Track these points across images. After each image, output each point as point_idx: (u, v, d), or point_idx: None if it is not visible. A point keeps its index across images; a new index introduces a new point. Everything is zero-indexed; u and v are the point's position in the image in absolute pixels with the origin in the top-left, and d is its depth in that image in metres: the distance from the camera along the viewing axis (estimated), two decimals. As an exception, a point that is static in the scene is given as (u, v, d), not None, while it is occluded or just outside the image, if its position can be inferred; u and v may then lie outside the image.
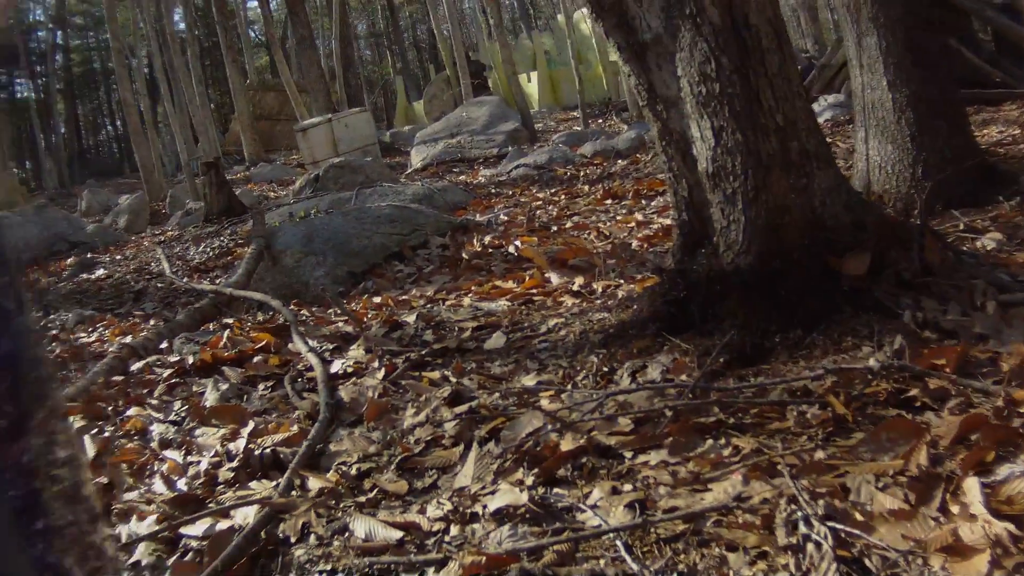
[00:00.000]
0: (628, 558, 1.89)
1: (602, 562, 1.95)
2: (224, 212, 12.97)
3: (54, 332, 8.52)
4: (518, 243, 6.20)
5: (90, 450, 3.82)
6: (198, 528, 2.83)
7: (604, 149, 11.45)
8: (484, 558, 2.05)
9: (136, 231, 16.19)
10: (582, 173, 10.44)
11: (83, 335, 7.91)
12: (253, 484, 3.10)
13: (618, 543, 1.96)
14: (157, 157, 25.80)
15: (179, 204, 17.80)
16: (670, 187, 3.36)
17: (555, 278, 4.72)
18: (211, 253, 10.74)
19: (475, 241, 6.82)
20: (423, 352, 3.91)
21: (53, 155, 40.80)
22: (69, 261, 12.80)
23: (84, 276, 11.64)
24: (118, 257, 12.64)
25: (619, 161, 10.96)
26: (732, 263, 2.96)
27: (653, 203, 7.14)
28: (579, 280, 4.52)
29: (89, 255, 13.14)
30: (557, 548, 2.00)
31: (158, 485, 3.32)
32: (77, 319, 8.76)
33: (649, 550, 1.94)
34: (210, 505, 3.01)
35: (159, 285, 9.66)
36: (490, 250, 6.35)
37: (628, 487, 2.22)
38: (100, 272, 11.64)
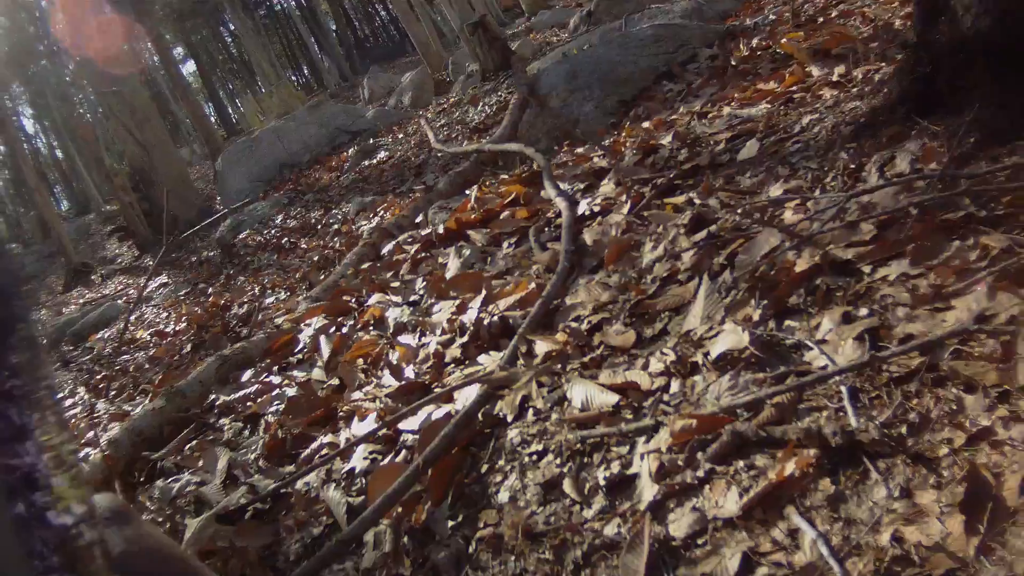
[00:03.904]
0: (850, 411, 1.70)
1: (823, 416, 1.75)
2: (500, 67, 13.17)
3: (335, 226, 9.11)
4: (784, 40, 6.05)
5: (325, 351, 3.94)
6: (416, 421, 2.80)
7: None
8: (695, 421, 1.90)
9: (422, 105, 16.94)
10: (844, -38, 10.57)
11: (364, 222, 8.37)
12: (482, 359, 3.02)
13: (843, 389, 1.77)
14: (432, 30, 27.09)
15: (461, 69, 18.50)
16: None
17: (816, 71, 4.59)
18: (489, 111, 10.95)
19: (742, 46, 6.71)
20: (672, 175, 3.70)
21: (328, 53, 44.04)
22: (350, 152, 13.66)
23: (366, 163, 12.37)
24: (400, 136, 13.29)
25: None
26: (972, 28, 2.76)
27: (916, -21, 6.92)
28: (839, 69, 4.31)
29: (371, 140, 13.94)
30: (777, 400, 1.83)
31: (387, 377, 3.32)
32: (358, 207, 9.32)
33: (878, 395, 1.73)
34: (436, 390, 2.96)
35: (438, 155, 9.99)
36: (758, 53, 6.24)
37: (863, 311, 2.01)
38: (382, 155, 12.31)
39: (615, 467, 2.00)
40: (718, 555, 1.59)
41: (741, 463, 1.75)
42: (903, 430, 1.58)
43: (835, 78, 4.18)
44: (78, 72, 15.38)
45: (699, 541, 1.66)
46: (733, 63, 6.19)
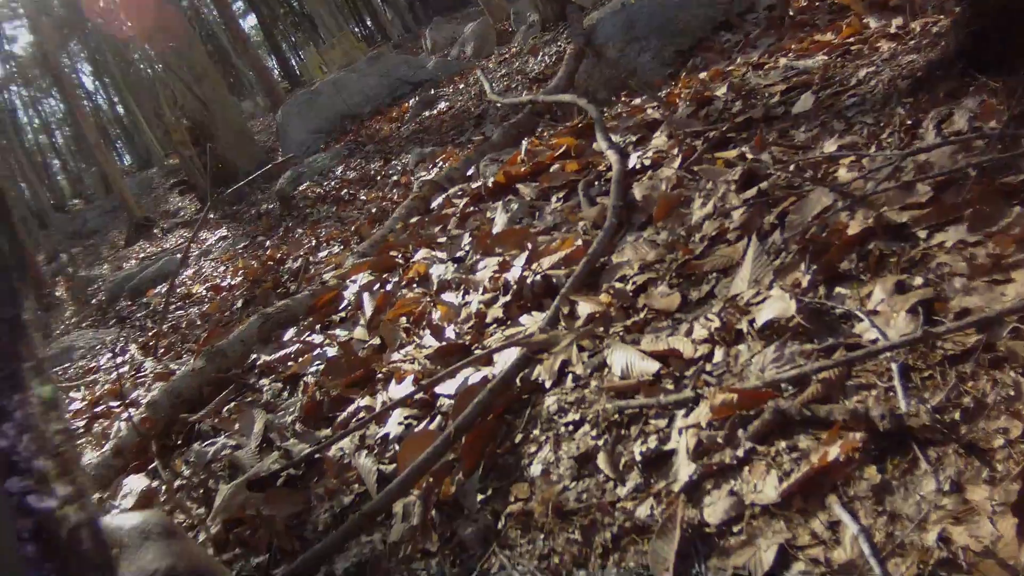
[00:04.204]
0: (900, 392, 1.58)
1: (872, 395, 1.63)
2: (559, 17, 12.99)
3: (395, 177, 9.05)
4: None
5: (368, 308, 3.87)
6: (453, 384, 2.73)
7: None
8: (736, 396, 1.80)
9: (485, 55, 16.80)
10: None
11: (423, 173, 8.29)
12: (524, 319, 2.94)
13: (893, 366, 1.65)
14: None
15: (523, 20, 18.28)
16: None
17: (873, 22, 4.36)
18: (548, 61, 10.83)
19: None
20: (724, 128, 3.55)
21: (390, 4, 43.72)
22: (411, 102, 13.59)
23: (426, 113, 12.30)
24: (460, 86, 13.19)
25: None
26: (1030, -20, 2.57)
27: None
28: (896, 21, 4.09)
29: (432, 91, 13.86)
30: (824, 376, 1.72)
31: (427, 337, 3.25)
32: (417, 158, 9.24)
33: (930, 375, 1.61)
34: (476, 352, 2.88)
35: (497, 106, 9.88)
36: (816, 3, 6.02)
37: (917, 280, 1.89)
38: (442, 106, 12.24)
39: (652, 441, 1.92)
40: (753, 546, 1.50)
41: (783, 444, 1.64)
42: (956, 416, 1.47)
43: (892, 30, 4.01)
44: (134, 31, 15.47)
45: (734, 529, 1.57)
46: (791, 13, 6.01)
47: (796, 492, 1.52)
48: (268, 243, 9.70)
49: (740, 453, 1.69)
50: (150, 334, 7.40)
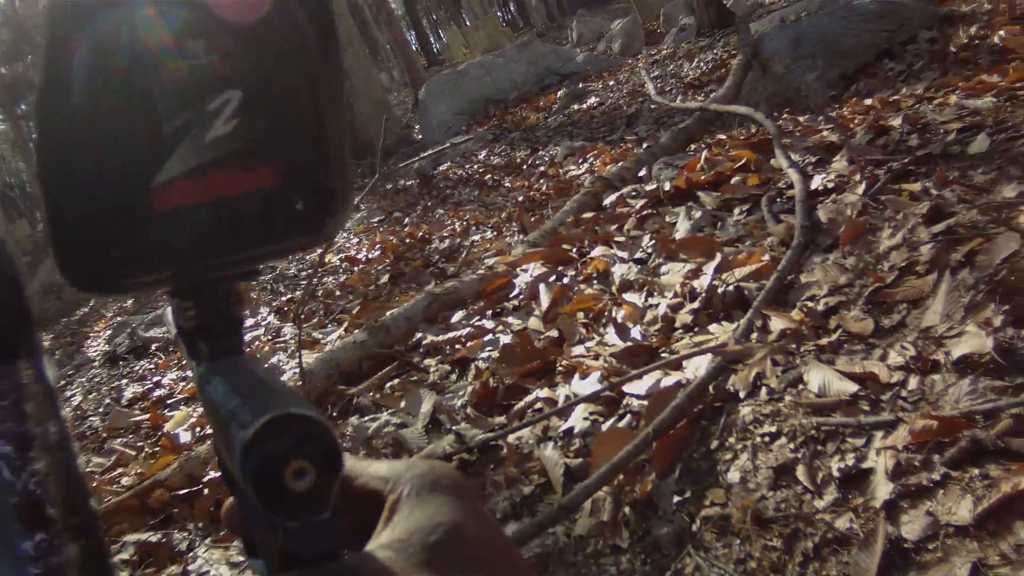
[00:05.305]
0: None
1: None
2: (715, 24, 13.08)
3: (542, 168, 9.23)
4: (1002, 33, 6.04)
5: (544, 300, 4.04)
6: (643, 385, 2.88)
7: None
8: (936, 423, 1.98)
9: (632, 53, 16.90)
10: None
11: (572, 167, 8.48)
12: (713, 328, 3.09)
13: None
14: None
15: (673, 21, 18.30)
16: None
17: None
18: (704, 68, 10.91)
19: (960, 32, 6.71)
20: (906, 160, 3.71)
21: (539, -8, 44.00)
22: (559, 93, 13.76)
23: (575, 106, 12.46)
24: (611, 83, 13.32)
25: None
26: None
27: None
28: None
29: (580, 84, 14.00)
30: (1015, 412, 1.92)
31: (610, 335, 3.42)
32: (566, 151, 9.42)
33: None
34: (663, 355, 3.05)
35: (652, 107, 9.98)
36: (976, 41, 6.24)
37: None
38: (592, 100, 12.38)
39: (849, 459, 2.08)
40: (948, 563, 1.69)
41: (975, 471, 1.83)
42: None
43: (1057, 78, 4.13)
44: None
45: (930, 546, 1.75)
46: (953, 49, 6.26)
47: (988, 516, 1.71)
48: (407, 220, 9.93)
49: (936, 476, 1.87)
50: (284, 299, 7.70)
